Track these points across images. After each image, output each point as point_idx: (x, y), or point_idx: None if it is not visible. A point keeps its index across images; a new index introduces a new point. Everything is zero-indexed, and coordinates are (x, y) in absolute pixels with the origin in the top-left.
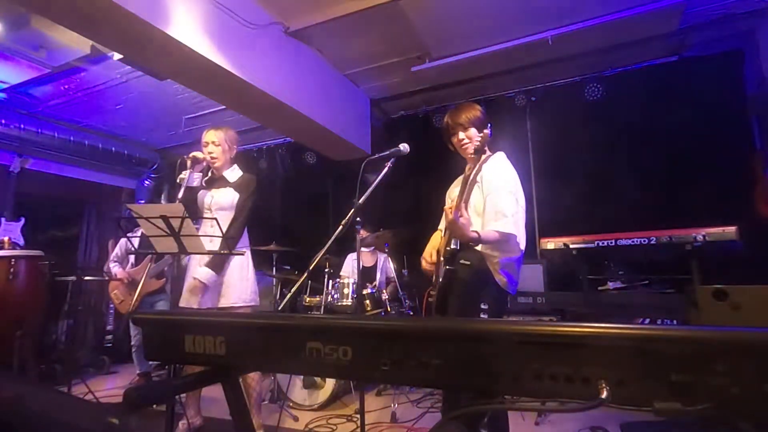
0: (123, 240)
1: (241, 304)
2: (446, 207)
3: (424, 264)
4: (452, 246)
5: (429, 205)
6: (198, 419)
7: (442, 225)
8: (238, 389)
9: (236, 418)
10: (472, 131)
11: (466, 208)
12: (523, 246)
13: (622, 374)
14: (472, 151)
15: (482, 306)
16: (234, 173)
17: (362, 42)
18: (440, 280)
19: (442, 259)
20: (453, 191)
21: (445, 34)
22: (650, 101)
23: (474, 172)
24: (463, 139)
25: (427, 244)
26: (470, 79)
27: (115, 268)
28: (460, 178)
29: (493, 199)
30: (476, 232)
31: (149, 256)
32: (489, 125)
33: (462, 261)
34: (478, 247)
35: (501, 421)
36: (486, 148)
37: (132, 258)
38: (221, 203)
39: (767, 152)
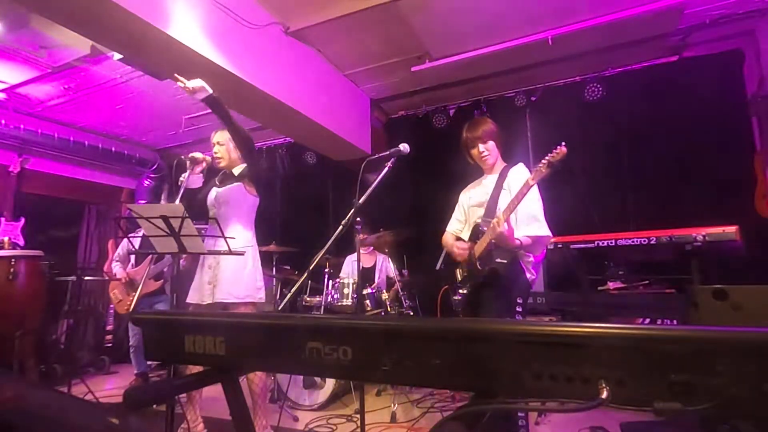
0: (125, 240)
1: (233, 300)
2: (494, 221)
3: (457, 250)
4: (488, 248)
5: (429, 205)
6: (200, 425)
7: (456, 227)
8: (238, 389)
9: (236, 419)
10: (491, 143)
11: (509, 219)
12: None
13: (622, 374)
14: (492, 162)
15: (518, 300)
16: (240, 168)
17: (362, 42)
18: (474, 277)
19: (476, 258)
20: (470, 194)
21: (445, 34)
22: (650, 101)
23: (493, 179)
24: (483, 152)
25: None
26: (470, 79)
27: (116, 268)
28: (477, 184)
29: (525, 205)
30: (519, 240)
31: (149, 257)
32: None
33: (498, 260)
34: None
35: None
36: (500, 157)
37: (133, 258)
38: (225, 198)
39: (767, 152)
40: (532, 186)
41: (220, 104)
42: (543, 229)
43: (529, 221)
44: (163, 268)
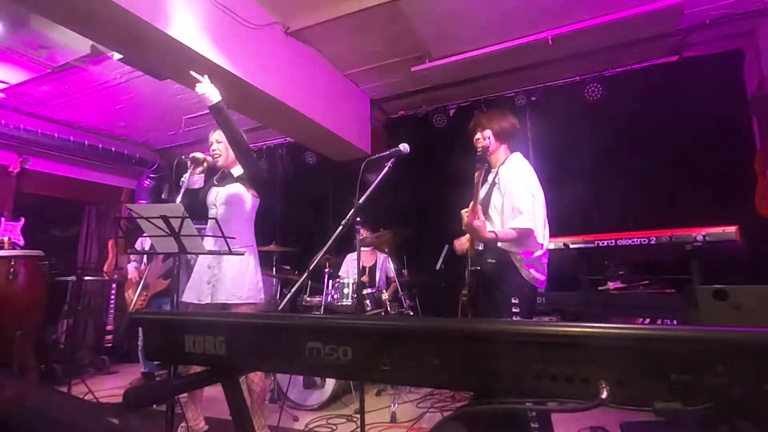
0: (140, 240)
1: (235, 301)
2: (462, 211)
3: (456, 245)
4: (477, 247)
5: (429, 205)
6: (202, 423)
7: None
8: (238, 389)
9: (236, 419)
10: (487, 132)
11: (481, 211)
12: (542, 240)
13: (622, 374)
14: (491, 154)
15: (513, 300)
16: (240, 168)
17: (362, 42)
18: (469, 277)
19: (469, 259)
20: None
21: (445, 34)
22: (650, 101)
23: (493, 174)
24: (479, 139)
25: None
26: (470, 79)
27: (131, 268)
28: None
29: (510, 197)
30: (493, 232)
31: (159, 256)
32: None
33: (489, 260)
34: (500, 245)
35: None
36: (503, 150)
37: (145, 259)
38: (225, 198)
39: (767, 152)
40: (477, 182)
41: (222, 113)
42: (524, 222)
43: (513, 214)
44: (171, 266)
